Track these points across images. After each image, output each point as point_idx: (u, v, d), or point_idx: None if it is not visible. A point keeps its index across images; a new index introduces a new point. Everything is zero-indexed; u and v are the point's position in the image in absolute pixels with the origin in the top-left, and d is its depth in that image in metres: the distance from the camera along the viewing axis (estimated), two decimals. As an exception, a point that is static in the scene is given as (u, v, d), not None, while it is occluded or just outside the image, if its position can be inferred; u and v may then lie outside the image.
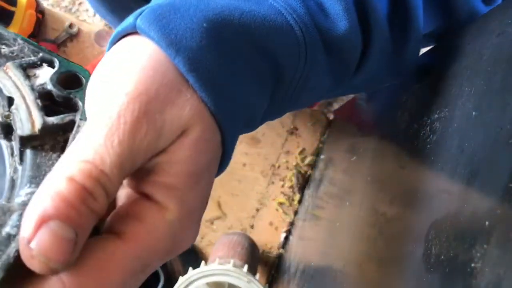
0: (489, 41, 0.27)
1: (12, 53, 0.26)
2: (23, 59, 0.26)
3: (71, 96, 0.24)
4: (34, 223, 0.16)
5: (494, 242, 0.20)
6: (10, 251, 0.17)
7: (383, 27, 0.31)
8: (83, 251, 0.17)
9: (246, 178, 0.88)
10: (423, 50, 0.39)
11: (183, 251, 0.22)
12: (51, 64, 0.26)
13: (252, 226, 0.86)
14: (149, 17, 0.21)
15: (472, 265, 0.20)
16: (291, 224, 0.86)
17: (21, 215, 0.18)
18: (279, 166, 0.89)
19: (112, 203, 0.21)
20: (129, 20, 0.22)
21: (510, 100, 0.22)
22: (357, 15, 0.29)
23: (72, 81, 0.25)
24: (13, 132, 0.23)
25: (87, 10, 0.94)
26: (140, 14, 0.22)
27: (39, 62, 0.26)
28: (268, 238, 0.86)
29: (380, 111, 0.51)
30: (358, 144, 0.56)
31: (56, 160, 0.22)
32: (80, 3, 0.95)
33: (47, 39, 0.91)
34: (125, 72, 0.20)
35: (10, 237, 0.18)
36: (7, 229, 0.18)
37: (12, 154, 0.23)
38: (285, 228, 0.86)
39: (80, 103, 0.24)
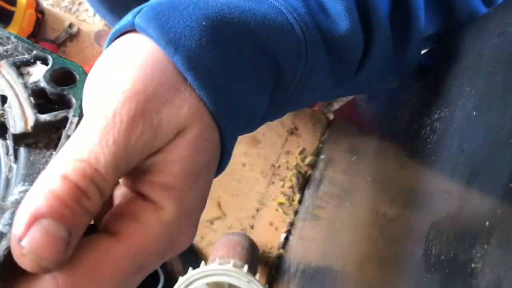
0: (489, 41, 0.27)
1: (6, 51, 0.26)
2: (16, 57, 0.25)
3: (65, 92, 0.24)
4: (26, 221, 0.16)
5: (494, 242, 0.19)
6: (1, 249, 0.17)
7: (384, 26, 0.31)
8: (77, 250, 0.17)
9: (246, 178, 0.88)
10: (423, 51, 0.39)
11: (182, 251, 0.21)
12: (45, 62, 0.26)
13: (252, 226, 0.86)
14: (148, 15, 0.21)
15: (472, 265, 0.20)
16: (291, 224, 0.86)
17: (13, 213, 0.18)
18: (279, 166, 0.89)
19: (110, 202, 0.21)
20: (128, 18, 0.22)
21: (510, 100, 0.22)
22: (358, 15, 0.28)
23: (66, 78, 0.25)
24: (7, 131, 0.23)
25: (87, 10, 0.94)
26: (139, 12, 0.22)
27: (32, 60, 0.26)
28: (268, 238, 0.86)
29: (380, 111, 0.51)
30: (358, 144, 0.56)
31: (50, 158, 0.22)
32: (80, 3, 0.95)
33: (47, 39, 0.91)
34: (122, 70, 0.20)
35: (2, 235, 0.17)
36: None
37: (7, 153, 0.22)
38: (285, 228, 0.86)
39: (73, 100, 0.24)
